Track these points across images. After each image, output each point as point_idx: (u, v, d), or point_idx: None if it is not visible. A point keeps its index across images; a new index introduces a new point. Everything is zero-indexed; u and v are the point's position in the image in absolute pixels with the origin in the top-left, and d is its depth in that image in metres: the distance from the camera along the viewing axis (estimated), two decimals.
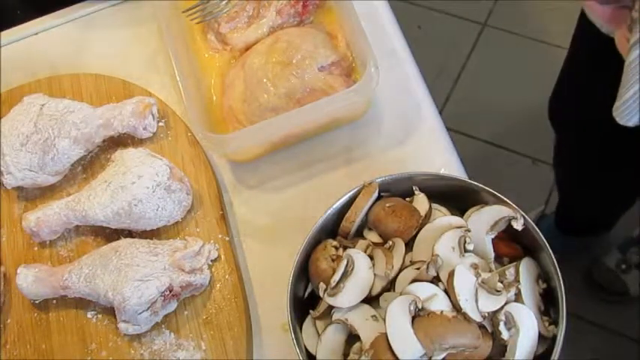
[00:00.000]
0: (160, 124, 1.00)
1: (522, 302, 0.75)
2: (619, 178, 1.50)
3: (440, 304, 0.72)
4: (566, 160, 1.67)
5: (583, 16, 1.23)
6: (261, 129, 0.90)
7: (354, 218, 0.81)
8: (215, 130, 0.97)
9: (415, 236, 0.79)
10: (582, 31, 1.27)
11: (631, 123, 0.89)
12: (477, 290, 0.72)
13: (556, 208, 1.87)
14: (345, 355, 0.77)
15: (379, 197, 0.83)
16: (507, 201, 0.78)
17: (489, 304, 0.72)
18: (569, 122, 1.49)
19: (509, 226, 0.78)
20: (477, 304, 0.72)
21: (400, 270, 0.76)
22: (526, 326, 0.72)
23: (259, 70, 0.95)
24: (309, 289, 0.84)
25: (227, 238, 0.92)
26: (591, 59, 1.24)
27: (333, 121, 0.96)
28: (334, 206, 0.81)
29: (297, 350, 0.75)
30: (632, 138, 1.19)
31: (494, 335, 0.73)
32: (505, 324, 0.73)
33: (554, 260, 0.75)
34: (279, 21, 1.01)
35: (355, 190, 0.82)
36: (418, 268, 0.75)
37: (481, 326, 0.72)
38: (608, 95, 0.92)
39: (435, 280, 0.74)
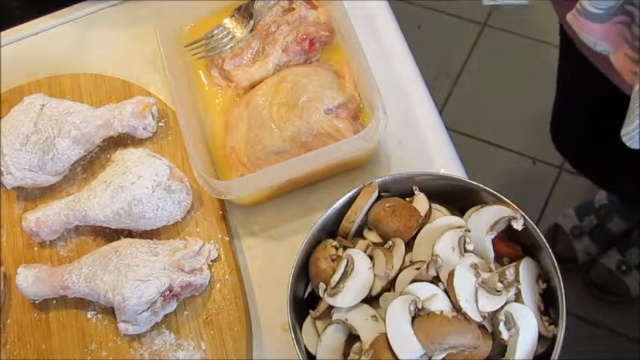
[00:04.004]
0: (160, 124, 1.00)
1: (522, 302, 0.74)
2: None
3: (440, 304, 0.72)
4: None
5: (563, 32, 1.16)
6: (264, 176, 0.88)
7: (354, 218, 0.81)
8: (217, 169, 0.95)
9: (415, 236, 0.79)
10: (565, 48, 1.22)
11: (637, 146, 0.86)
12: (476, 290, 0.72)
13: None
14: (345, 355, 0.77)
15: (379, 197, 0.83)
16: (507, 201, 0.78)
17: (489, 304, 0.72)
18: (578, 144, 1.42)
19: (509, 226, 0.78)
20: (477, 304, 0.72)
21: (400, 270, 0.76)
22: (526, 326, 0.72)
23: (264, 111, 0.92)
24: (309, 289, 0.83)
25: (227, 238, 0.92)
26: (580, 78, 1.17)
27: (339, 165, 0.93)
28: (334, 206, 0.81)
29: (297, 350, 0.75)
30: None
31: (494, 335, 0.73)
32: (505, 324, 0.72)
33: (554, 260, 0.75)
34: (285, 59, 0.98)
35: (355, 190, 0.82)
36: (418, 268, 0.75)
37: (481, 326, 0.72)
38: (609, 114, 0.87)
39: (435, 280, 0.74)
